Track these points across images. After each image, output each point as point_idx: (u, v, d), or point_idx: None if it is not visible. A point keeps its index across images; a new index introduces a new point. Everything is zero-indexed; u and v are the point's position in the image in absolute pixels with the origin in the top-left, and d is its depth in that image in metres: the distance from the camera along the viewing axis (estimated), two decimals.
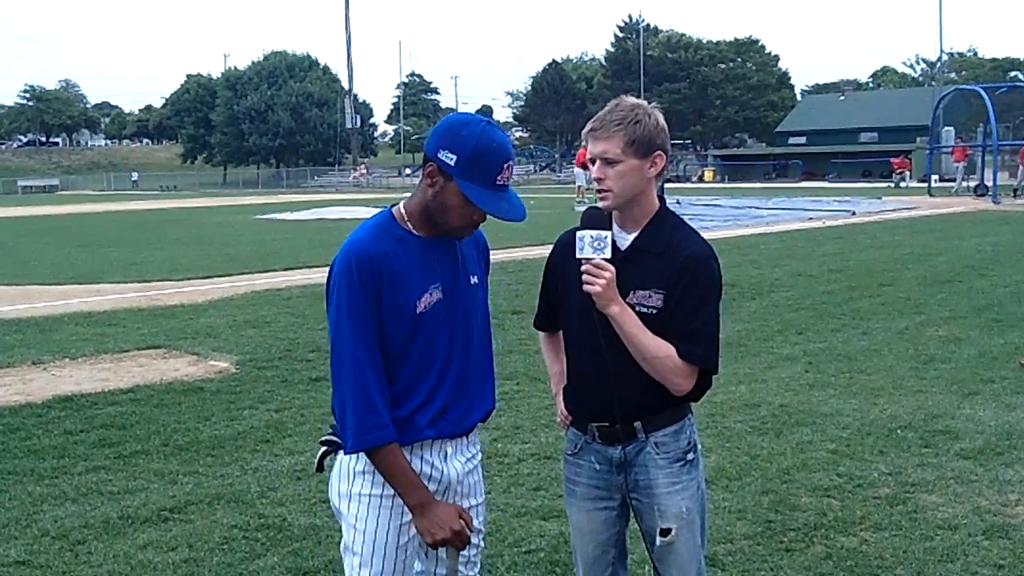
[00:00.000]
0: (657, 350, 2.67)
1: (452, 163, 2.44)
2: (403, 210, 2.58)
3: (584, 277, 2.63)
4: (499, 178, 2.47)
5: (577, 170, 33.66)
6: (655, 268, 2.73)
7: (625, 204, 2.75)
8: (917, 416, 6.52)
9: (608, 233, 2.64)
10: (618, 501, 2.90)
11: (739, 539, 4.60)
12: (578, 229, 2.68)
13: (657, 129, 2.73)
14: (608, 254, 2.63)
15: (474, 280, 2.66)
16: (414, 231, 2.55)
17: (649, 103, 2.79)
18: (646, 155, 2.72)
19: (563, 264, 2.84)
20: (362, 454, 2.52)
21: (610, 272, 2.62)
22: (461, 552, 2.60)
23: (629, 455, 2.83)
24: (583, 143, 2.83)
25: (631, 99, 2.78)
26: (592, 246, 2.63)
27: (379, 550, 2.54)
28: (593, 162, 2.74)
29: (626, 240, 2.79)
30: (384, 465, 2.49)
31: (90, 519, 4.98)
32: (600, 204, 2.79)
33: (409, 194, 2.65)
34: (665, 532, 2.81)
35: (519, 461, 5.78)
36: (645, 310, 2.71)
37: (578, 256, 2.65)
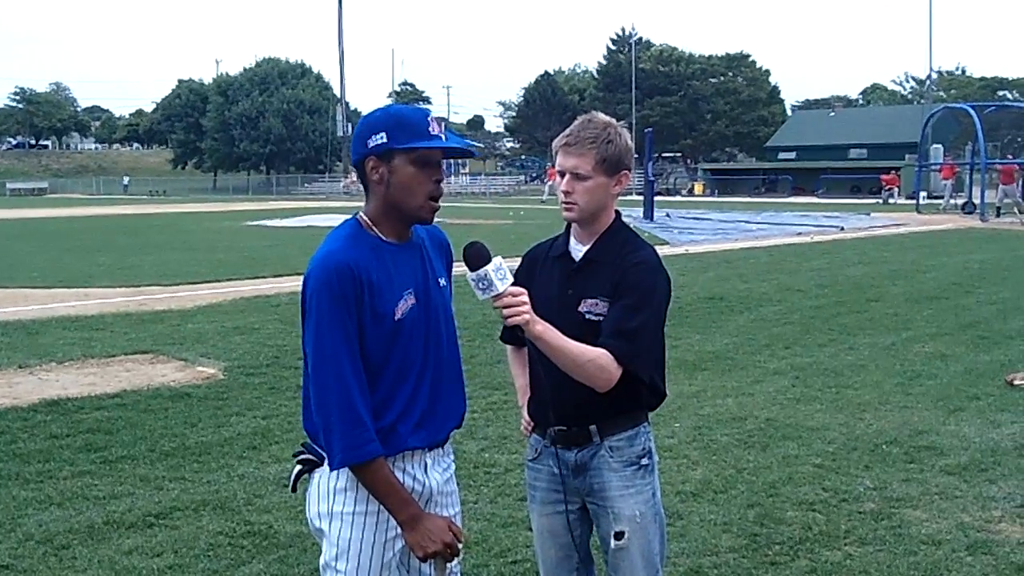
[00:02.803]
0: (586, 352, 2.67)
1: (384, 139, 2.47)
2: (367, 219, 2.56)
3: (505, 312, 2.52)
4: (430, 130, 2.50)
5: None
6: (603, 277, 2.82)
7: (588, 218, 2.85)
8: (902, 432, 6.55)
9: (499, 258, 2.52)
10: (578, 505, 2.96)
11: (724, 552, 4.62)
12: (473, 269, 2.51)
13: (626, 149, 2.85)
14: (510, 278, 2.53)
15: (442, 282, 2.66)
16: (384, 237, 2.54)
17: (618, 121, 2.89)
18: (614, 174, 2.83)
19: (527, 276, 2.92)
20: (344, 470, 2.48)
21: (526, 295, 2.55)
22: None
23: (584, 459, 2.90)
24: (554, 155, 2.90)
25: (602, 116, 2.88)
26: (498, 277, 2.48)
27: (363, 568, 2.52)
28: (563, 175, 2.83)
29: (580, 251, 2.89)
30: (371, 480, 2.45)
31: (75, 524, 4.96)
32: (565, 215, 2.89)
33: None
34: (619, 535, 2.87)
35: (506, 471, 5.78)
36: (593, 318, 2.78)
37: (487, 296, 2.50)
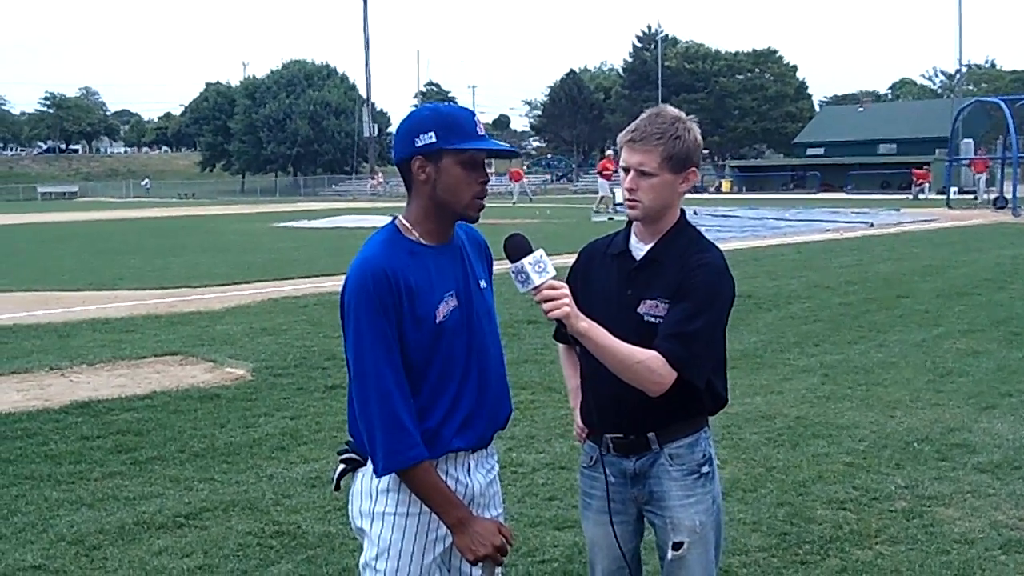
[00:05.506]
0: (635, 354, 2.58)
1: (433, 139, 2.44)
2: (406, 222, 2.54)
3: (544, 305, 2.45)
4: (477, 129, 2.49)
5: (600, 180, 33.69)
6: (665, 278, 2.71)
7: (652, 216, 2.75)
8: (934, 429, 6.49)
9: (540, 251, 2.47)
10: (634, 515, 2.89)
11: (754, 551, 4.59)
12: (512, 260, 2.47)
13: (695, 146, 2.73)
14: (552, 271, 2.47)
15: (482, 284, 2.64)
16: (423, 241, 2.52)
17: (687, 116, 2.77)
18: (681, 171, 2.73)
19: (584, 274, 2.83)
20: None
21: (566, 288, 2.50)
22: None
23: (643, 467, 2.81)
24: (606, 153, 2.83)
25: (672, 110, 2.77)
26: (536, 271, 2.45)
27: (403, 569, 2.50)
28: (627, 170, 2.74)
29: (642, 251, 2.79)
30: (418, 484, 2.45)
31: (106, 525, 5.00)
32: (628, 213, 2.80)
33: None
34: (677, 546, 2.79)
35: (533, 471, 5.77)
36: (652, 320, 2.69)
37: (527, 289, 2.46)
